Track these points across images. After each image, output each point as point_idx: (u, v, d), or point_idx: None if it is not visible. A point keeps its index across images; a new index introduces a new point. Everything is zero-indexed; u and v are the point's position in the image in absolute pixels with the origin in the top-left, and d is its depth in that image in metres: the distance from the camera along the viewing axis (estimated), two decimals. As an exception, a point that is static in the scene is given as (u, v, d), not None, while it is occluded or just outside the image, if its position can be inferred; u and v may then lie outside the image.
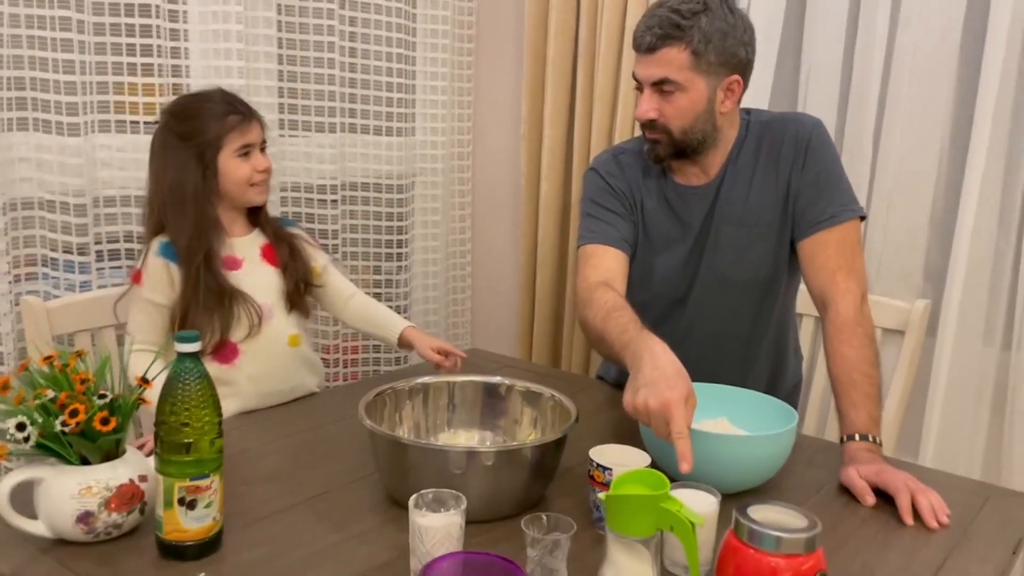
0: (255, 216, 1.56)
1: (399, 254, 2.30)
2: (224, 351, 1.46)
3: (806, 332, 1.74)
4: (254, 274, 1.51)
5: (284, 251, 1.55)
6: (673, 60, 1.35)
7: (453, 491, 0.94)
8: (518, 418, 1.25)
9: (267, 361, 1.50)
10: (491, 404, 1.27)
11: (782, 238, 1.46)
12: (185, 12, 1.79)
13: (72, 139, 1.61)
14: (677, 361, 1.12)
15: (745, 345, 1.53)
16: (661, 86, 1.38)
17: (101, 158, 1.70)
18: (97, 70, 1.66)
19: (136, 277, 1.45)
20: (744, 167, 1.47)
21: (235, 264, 1.49)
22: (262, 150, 1.50)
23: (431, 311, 2.45)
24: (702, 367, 1.47)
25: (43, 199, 1.63)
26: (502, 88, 2.42)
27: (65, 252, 1.65)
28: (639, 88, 1.42)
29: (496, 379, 1.27)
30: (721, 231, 1.47)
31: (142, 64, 1.69)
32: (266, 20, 1.89)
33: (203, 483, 0.94)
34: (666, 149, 1.43)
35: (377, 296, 2.29)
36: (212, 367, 1.45)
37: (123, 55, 1.68)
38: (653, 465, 1.06)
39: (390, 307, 2.29)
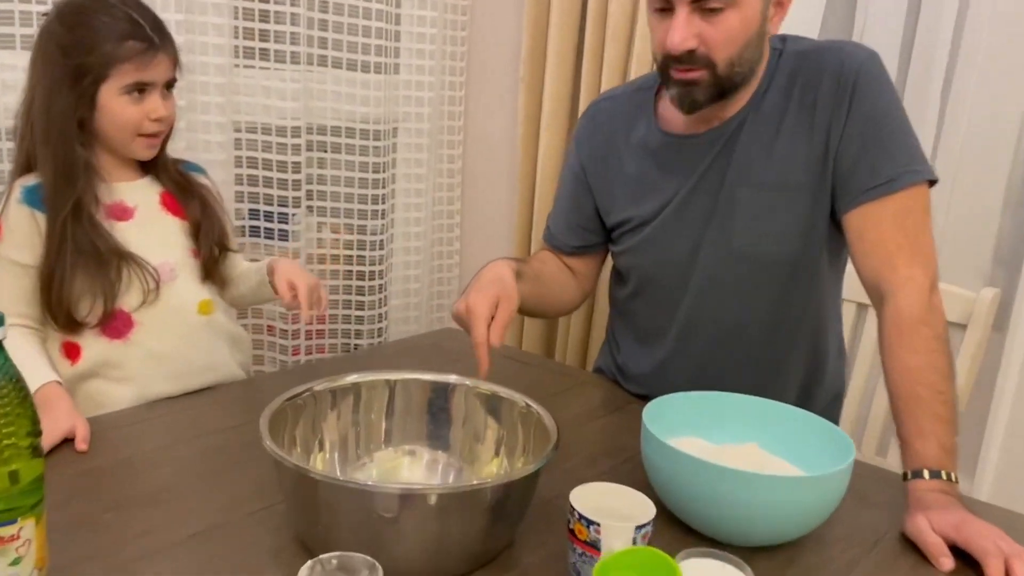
0: (155, 158, 1.25)
1: (375, 211, 1.99)
2: (114, 323, 1.17)
3: (848, 320, 1.43)
4: (150, 225, 1.21)
5: (193, 204, 1.25)
6: None
7: (366, 557, 0.65)
8: (479, 433, 0.96)
9: (170, 334, 1.21)
10: (444, 411, 0.97)
11: (818, 205, 1.14)
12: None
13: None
14: (505, 269, 1.10)
15: (769, 343, 1.22)
16: (705, 2, 1.04)
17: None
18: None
19: None
20: (770, 111, 1.15)
21: (124, 213, 1.19)
22: (167, 91, 1.19)
23: (412, 278, 2.15)
24: (714, 370, 1.23)
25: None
26: (502, 20, 2.09)
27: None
28: (661, 8, 1.08)
29: (451, 379, 0.98)
30: (736, 194, 1.16)
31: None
32: (214, -78, 1.57)
33: (6, 532, 0.65)
34: (707, 91, 1.10)
35: (348, 260, 2.00)
36: (100, 343, 1.17)
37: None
38: (659, 511, 0.77)
39: (363, 276, 2.03)
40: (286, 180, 1.80)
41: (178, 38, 1.51)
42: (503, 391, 0.95)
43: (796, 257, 1.17)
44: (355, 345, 2.04)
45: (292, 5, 1.72)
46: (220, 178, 1.69)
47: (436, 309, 2.27)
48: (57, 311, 1.13)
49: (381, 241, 2.01)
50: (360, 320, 2.03)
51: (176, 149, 1.57)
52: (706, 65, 1.08)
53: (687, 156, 1.19)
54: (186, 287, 1.23)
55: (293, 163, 1.79)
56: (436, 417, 0.97)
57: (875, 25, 1.56)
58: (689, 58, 1.07)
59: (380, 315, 2.05)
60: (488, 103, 2.17)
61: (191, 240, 1.25)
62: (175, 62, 1.19)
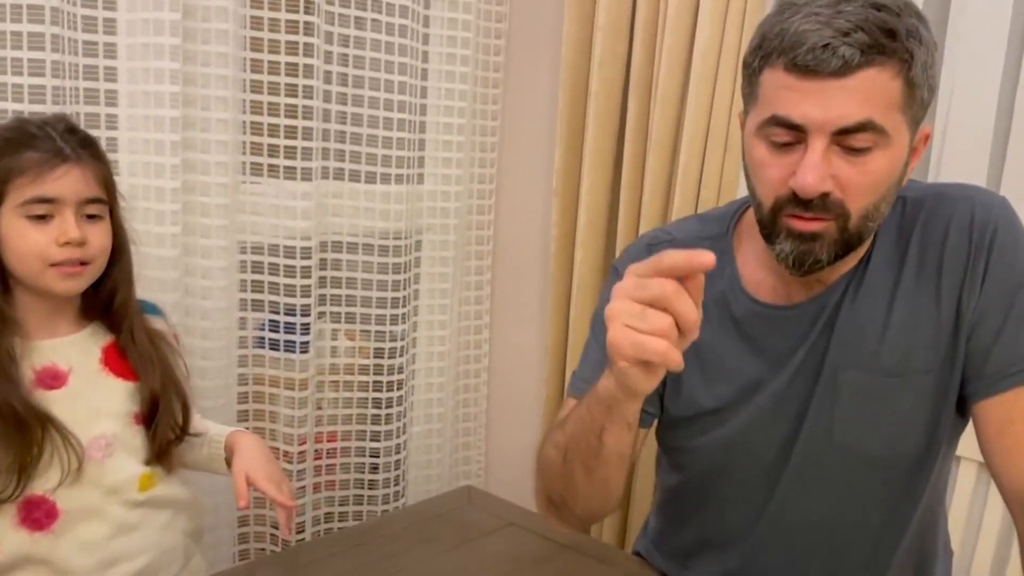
0: (97, 303, 1.07)
1: (395, 316, 1.81)
2: (36, 511, 0.98)
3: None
4: (88, 393, 1.03)
5: (151, 371, 1.06)
6: (883, 90, 0.79)
7: None
8: None
9: (103, 521, 1.02)
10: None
11: (945, 393, 0.92)
12: (113, 20, 1.35)
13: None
14: None
15: (871, 550, 0.98)
16: (849, 137, 0.80)
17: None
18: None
19: None
20: (880, 274, 0.93)
21: (56, 380, 1.01)
22: (90, 216, 1.01)
23: (435, 417, 1.96)
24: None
25: None
26: (535, 127, 1.93)
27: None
28: (788, 143, 0.83)
29: None
30: (839, 378, 0.93)
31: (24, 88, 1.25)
32: (219, 34, 1.44)
33: None
34: (832, 248, 0.86)
35: (363, 388, 1.82)
36: (19, 536, 0.98)
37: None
38: None
39: (379, 407, 1.82)
40: (294, 286, 1.62)
41: (173, 159, 1.39)
42: None
43: (915, 455, 0.95)
44: (369, 482, 1.84)
45: (304, 118, 1.58)
46: (222, 305, 1.54)
47: (459, 461, 2.07)
48: None
49: (398, 365, 1.83)
50: (376, 453, 1.84)
51: (170, 279, 1.44)
52: (839, 214, 0.84)
53: (783, 333, 0.95)
54: (124, 463, 1.04)
55: (303, 273, 1.62)
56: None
57: (960, 119, 1.36)
58: (821, 204, 0.83)
59: (399, 445, 1.86)
60: (520, 215, 2.01)
61: (136, 406, 1.06)
62: (101, 180, 1.02)
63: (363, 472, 1.85)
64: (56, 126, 0.99)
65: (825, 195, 0.83)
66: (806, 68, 0.78)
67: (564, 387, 1.84)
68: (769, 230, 0.88)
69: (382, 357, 1.82)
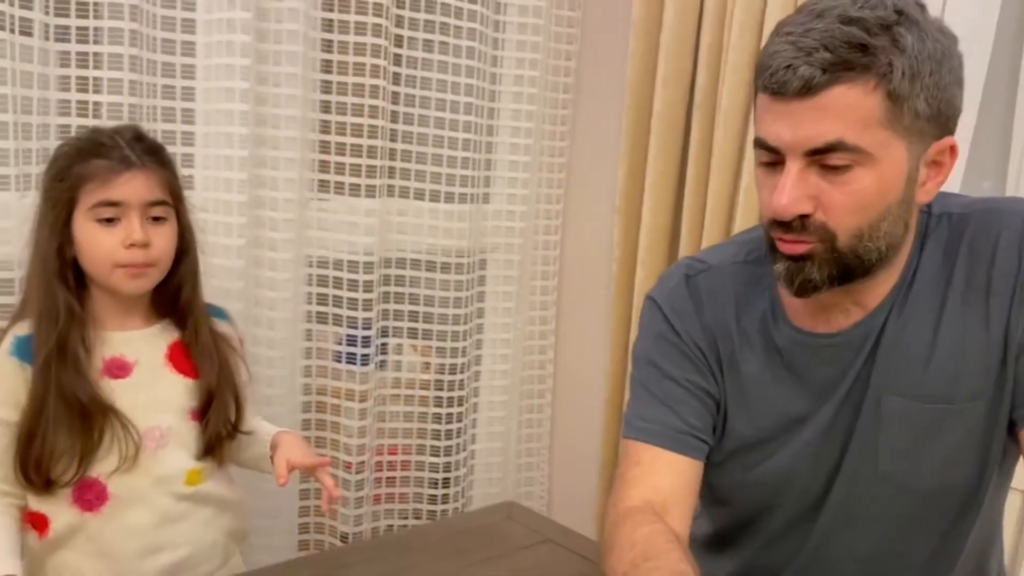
0: (166, 301, 1.12)
1: (454, 349, 1.83)
2: (88, 493, 1.04)
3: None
4: (150, 385, 1.08)
5: (210, 368, 1.11)
6: (855, 107, 0.76)
7: None
8: None
9: (149, 509, 1.07)
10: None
11: (995, 420, 0.87)
12: (191, 43, 1.44)
13: None
14: None
15: None
16: (825, 157, 0.78)
17: None
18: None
19: None
20: (925, 294, 0.88)
21: (122, 370, 1.07)
22: (155, 219, 1.06)
23: (497, 436, 1.96)
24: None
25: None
26: (603, 147, 1.93)
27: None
28: (770, 162, 0.82)
29: None
30: (883, 406, 0.88)
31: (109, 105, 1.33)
32: (290, 55, 1.50)
33: None
34: (824, 269, 0.82)
35: (424, 403, 1.84)
36: (71, 514, 1.04)
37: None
38: None
39: (439, 421, 1.84)
40: (356, 300, 1.66)
41: (241, 174, 1.46)
42: None
43: (966, 486, 0.89)
44: (433, 479, 1.86)
45: (369, 137, 1.62)
46: (287, 316, 1.60)
47: (523, 481, 2.06)
48: (32, 469, 1.01)
49: (460, 381, 1.85)
50: (436, 467, 1.85)
51: (236, 288, 1.50)
52: (823, 237, 0.81)
53: (827, 362, 0.91)
54: (175, 456, 1.09)
55: (365, 287, 1.67)
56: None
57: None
58: (801, 226, 0.81)
59: (459, 461, 1.87)
60: (586, 235, 2.00)
61: (195, 401, 1.11)
62: (165, 184, 1.07)
63: (422, 486, 1.87)
64: (124, 134, 1.06)
65: (805, 217, 0.80)
66: (774, 90, 0.78)
67: (621, 411, 1.81)
68: (771, 250, 0.86)
69: (443, 373, 1.84)
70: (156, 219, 1.06)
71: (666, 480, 0.91)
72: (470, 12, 1.71)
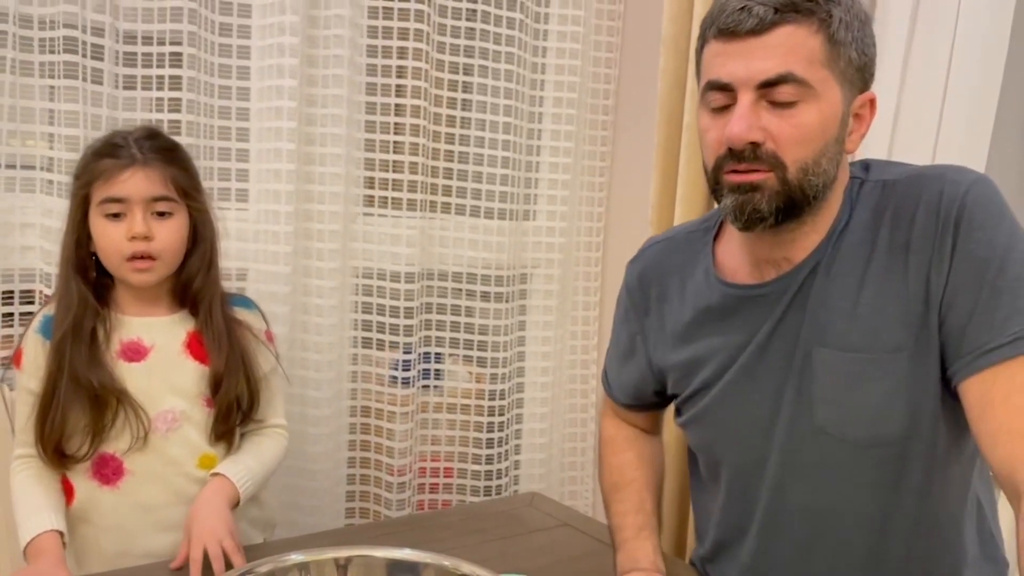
0: (187, 289, 1.20)
1: (494, 360, 1.90)
2: (105, 467, 1.13)
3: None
4: (164, 368, 1.16)
5: (218, 353, 1.17)
6: (801, 45, 0.85)
7: None
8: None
9: (163, 487, 1.15)
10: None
11: (922, 372, 0.90)
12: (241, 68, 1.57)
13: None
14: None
15: (876, 543, 0.95)
16: (774, 91, 0.86)
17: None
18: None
19: (16, 358, 1.16)
20: (851, 253, 0.93)
21: (137, 354, 1.15)
22: (160, 214, 1.13)
23: (538, 447, 2.01)
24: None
25: (44, 272, 1.42)
26: (643, 165, 1.98)
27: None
28: (720, 106, 0.90)
29: (402, 553, 0.82)
30: (813, 357, 0.94)
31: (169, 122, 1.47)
32: (336, 78, 1.62)
33: None
34: (773, 200, 0.89)
35: (465, 411, 1.90)
36: (90, 487, 1.13)
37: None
38: None
39: (480, 430, 1.89)
40: (398, 308, 1.75)
41: (288, 186, 1.57)
42: (466, 567, 0.78)
43: (898, 437, 0.92)
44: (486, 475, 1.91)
45: (412, 154, 1.73)
46: (333, 322, 1.69)
47: (565, 480, 2.10)
48: (47, 443, 1.10)
49: (503, 391, 1.91)
50: (482, 475, 1.91)
51: (282, 293, 1.60)
52: (773, 166, 0.88)
53: (751, 310, 0.99)
54: (187, 439, 1.17)
55: (407, 296, 1.75)
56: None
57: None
58: (753, 154, 0.88)
59: (502, 470, 1.92)
60: (627, 252, 2.04)
61: (209, 388, 1.18)
62: (170, 180, 1.13)
63: (464, 494, 1.92)
64: (136, 133, 1.14)
65: (756, 145, 0.87)
66: (728, 30, 0.86)
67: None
68: (715, 191, 0.94)
69: (484, 382, 1.90)
70: (161, 214, 1.13)
71: (632, 417, 1.21)
72: (508, 37, 1.81)
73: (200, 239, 1.19)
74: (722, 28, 0.87)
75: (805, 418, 0.95)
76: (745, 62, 0.86)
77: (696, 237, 1.09)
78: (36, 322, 1.16)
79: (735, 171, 0.89)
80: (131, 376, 1.14)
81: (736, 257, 1.01)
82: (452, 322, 1.87)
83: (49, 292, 1.39)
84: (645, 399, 1.18)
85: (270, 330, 1.32)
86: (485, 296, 1.87)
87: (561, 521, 1.27)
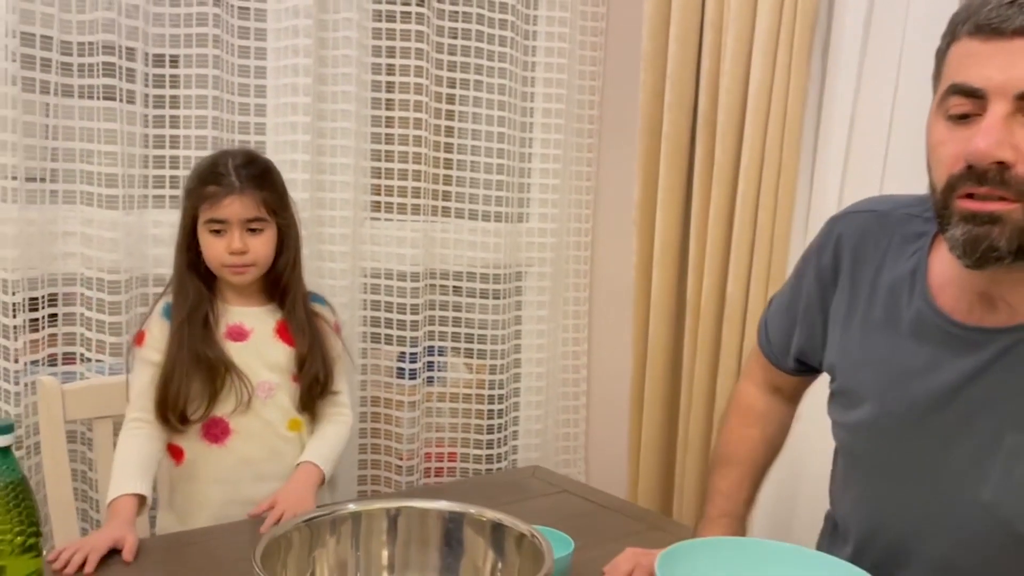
0: (276, 285, 1.41)
1: (493, 352, 2.05)
2: (214, 428, 1.34)
3: None
4: (262, 348, 1.38)
5: (303, 338, 1.39)
6: None
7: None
8: (479, 564, 0.94)
9: (260, 443, 1.36)
10: (450, 539, 0.96)
11: None
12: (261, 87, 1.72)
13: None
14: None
15: None
16: None
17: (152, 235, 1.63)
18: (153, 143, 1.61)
19: (139, 338, 1.36)
20: None
21: (240, 335, 1.37)
22: (252, 230, 1.34)
23: (533, 432, 2.16)
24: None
25: (84, 275, 1.56)
26: (627, 170, 2.15)
27: (99, 332, 1.56)
28: (963, 114, 0.75)
29: (440, 505, 0.97)
30: (1005, 439, 0.80)
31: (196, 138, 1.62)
32: (344, 95, 1.78)
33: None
34: (1015, 239, 0.73)
35: (467, 399, 2.06)
36: (200, 446, 1.35)
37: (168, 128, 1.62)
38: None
39: (481, 418, 2.05)
40: (405, 305, 1.90)
41: (303, 194, 1.72)
42: (506, 519, 0.93)
43: None
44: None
45: (415, 162, 1.88)
46: (344, 318, 1.83)
47: (562, 463, 2.25)
48: (172, 408, 1.30)
49: (499, 381, 2.06)
50: (485, 458, 2.06)
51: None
52: (1020, 194, 0.72)
53: (960, 353, 0.83)
54: (280, 405, 1.38)
55: (412, 305, 1.90)
56: (445, 544, 0.96)
57: None
58: (998, 177, 0.72)
59: (501, 454, 2.07)
60: (614, 250, 2.21)
61: (294, 366, 1.39)
62: (261, 203, 1.33)
63: (467, 476, 2.07)
64: (236, 159, 1.34)
65: (1004, 167, 0.72)
66: (989, 27, 0.71)
67: (642, 403, 2.00)
68: (943, 217, 0.78)
69: (484, 373, 2.06)
70: (253, 230, 1.34)
71: (778, 380, 1.10)
72: (500, 54, 1.97)
73: (286, 247, 1.40)
74: (981, 24, 0.72)
75: (976, 502, 0.83)
76: (1005, 67, 0.70)
77: (913, 226, 0.91)
78: (159, 308, 1.37)
79: (971, 195, 0.74)
80: (236, 353, 1.35)
81: (952, 282, 0.85)
82: (453, 318, 2.03)
83: (90, 294, 1.54)
84: (790, 365, 1.06)
85: (338, 322, 1.53)
86: (483, 294, 2.03)
87: (560, 488, 1.43)
